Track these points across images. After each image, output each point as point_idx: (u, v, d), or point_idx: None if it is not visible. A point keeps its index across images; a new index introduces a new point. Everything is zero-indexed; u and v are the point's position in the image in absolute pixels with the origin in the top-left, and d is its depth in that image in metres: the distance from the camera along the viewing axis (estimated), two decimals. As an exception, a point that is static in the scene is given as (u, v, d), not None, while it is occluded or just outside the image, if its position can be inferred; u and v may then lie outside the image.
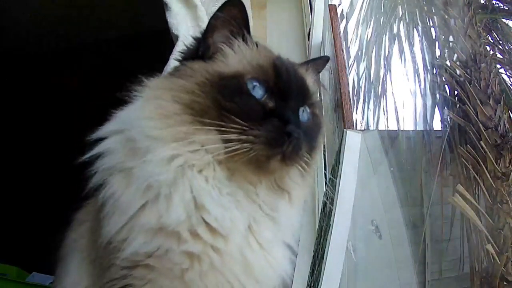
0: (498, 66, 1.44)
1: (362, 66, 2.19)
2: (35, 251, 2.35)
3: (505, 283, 1.14)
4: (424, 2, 1.97)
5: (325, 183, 1.54)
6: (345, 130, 1.43)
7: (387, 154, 1.58)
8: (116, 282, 0.85)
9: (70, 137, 1.78)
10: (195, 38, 1.03)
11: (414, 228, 1.49)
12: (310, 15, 2.40)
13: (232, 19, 0.97)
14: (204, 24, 1.40)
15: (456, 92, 1.50)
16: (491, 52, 1.49)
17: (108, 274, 0.86)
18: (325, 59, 1.25)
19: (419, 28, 1.90)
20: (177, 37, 1.71)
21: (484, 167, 1.28)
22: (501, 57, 1.49)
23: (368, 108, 2.03)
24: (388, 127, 1.91)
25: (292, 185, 0.99)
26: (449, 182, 1.42)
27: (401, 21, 2.04)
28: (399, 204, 1.51)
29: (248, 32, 1.00)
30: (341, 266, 1.27)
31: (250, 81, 0.92)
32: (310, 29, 2.31)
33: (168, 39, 1.78)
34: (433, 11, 1.85)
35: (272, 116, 0.89)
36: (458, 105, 1.47)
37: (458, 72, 1.51)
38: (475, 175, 1.30)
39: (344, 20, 2.23)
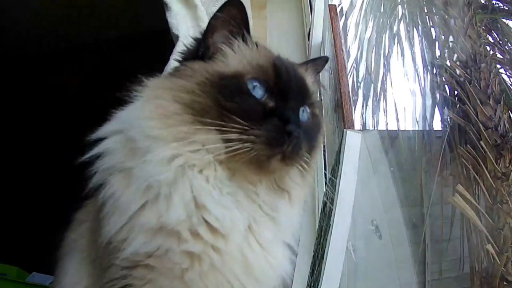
0: (498, 66, 1.45)
1: (362, 66, 2.19)
2: (35, 251, 2.35)
3: (505, 283, 1.14)
4: (424, 2, 1.97)
5: (325, 183, 1.54)
6: (345, 130, 1.44)
7: (387, 154, 1.58)
8: (116, 282, 0.85)
9: (70, 137, 1.77)
10: (195, 39, 1.03)
11: (414, 228, 1.49)
12: (310, 15, 2.41)
13: (232, 19, 0.97)
14: (204, 24, 1.40)
15: (456, 92, 1.50)
16: (491, 52, 1.49)
17: (108, 274, 0.86)
18: (325, 59, 1.25)
19: (419, 28, 1.90)
20: (177, 37, 1.71)
21: (484, 167, 1.28)
22: (501, 57, 1.49)
23: (367, 108, 2.03)
24: (388, 127, 1.91)
25: (292, 185, 0.99)
26: (449, 182, 1.42)
27: (401, 21, 2.04)
28: (399, 204, 1.51)
29: (248, 32, 1.00)
30: (341, 266, 1.27)
31: (250, 81, 0.92)
32: (310, 29, 2.31)
33: (168, 39, 1.78)
34: (433, 11, 1.85)
35: (272, 116, 0.89)
36: (458, 105, 1.47)
37: (458, 72, 1.51)
38: (475, 175, 1.30)
39: (344, 20, 2.23)
